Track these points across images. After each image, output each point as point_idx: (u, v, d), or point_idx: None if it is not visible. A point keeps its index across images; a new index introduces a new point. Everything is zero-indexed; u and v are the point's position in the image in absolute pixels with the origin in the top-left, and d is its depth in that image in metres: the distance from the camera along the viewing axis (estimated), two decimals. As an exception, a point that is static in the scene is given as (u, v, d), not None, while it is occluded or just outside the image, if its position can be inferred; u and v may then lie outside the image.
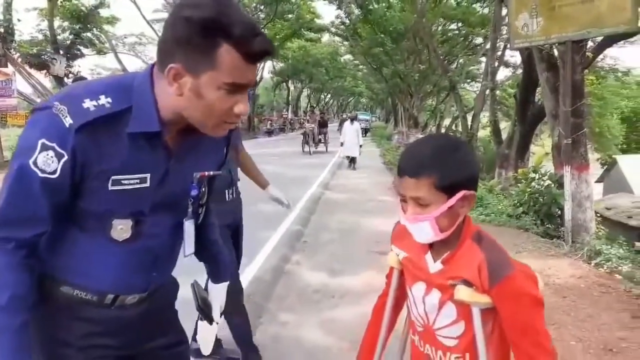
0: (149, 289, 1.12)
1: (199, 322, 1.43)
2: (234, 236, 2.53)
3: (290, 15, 26.76)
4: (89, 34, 20.55)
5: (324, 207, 7.63)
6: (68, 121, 0.89)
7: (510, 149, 11.00)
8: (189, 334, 1.50)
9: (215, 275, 1.39)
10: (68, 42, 19.30)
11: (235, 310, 2.45)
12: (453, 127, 28.67)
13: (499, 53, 14.44)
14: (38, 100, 16.36)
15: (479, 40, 21.93)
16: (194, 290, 1.34)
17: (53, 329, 1.04)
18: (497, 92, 16.39)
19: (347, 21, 24.62)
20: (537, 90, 10.35)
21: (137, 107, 0.95)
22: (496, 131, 12.89)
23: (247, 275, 3.95)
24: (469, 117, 15.76)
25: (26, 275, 0.94)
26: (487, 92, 12.69)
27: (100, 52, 22.76)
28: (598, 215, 7.94)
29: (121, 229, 1.01)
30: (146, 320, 1.14)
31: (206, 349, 1.43)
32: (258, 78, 24.17)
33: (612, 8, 4.74)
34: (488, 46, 14.44)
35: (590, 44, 6.69)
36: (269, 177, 2.88)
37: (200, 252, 1.27)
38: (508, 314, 1.03)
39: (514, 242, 5.03)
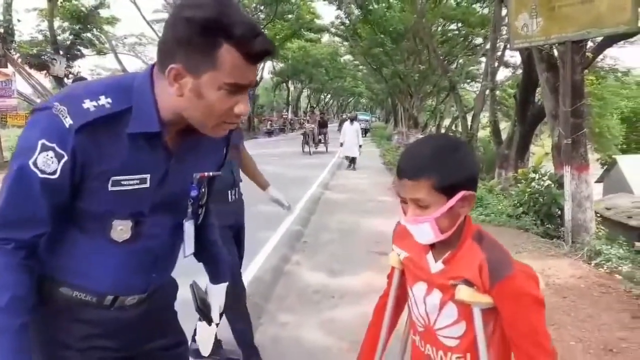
0: (148, 290, 1.12)
1: (198, 322, 1.43)
2: (236, 237, 2.53)
3: (290, 16, 26.76)
4: (89, 35, 20.56)
5: (323, 208, 7.63)
6: (68, 122, 0.89)
7: (510, 149, 11.00)
8: (189, 335, 1.50)
9: (214, 276, 1.38)
10: (68, 42, 19.30)
11: (238, 312, 2.45)
12: (453, 128, 28.67)
13: (499, 53, 14.45)
14: (38, 100, 16.35)
15: (479, 40, 21.92)
16: (193, 291, 1.34)
17: (52, 330, 1.04)
18: (497, 92, 16.39)
19: (347, 21, 24.61)
20: (537, 91, 10.35)
21: (137, 107, 0.95)
22: (496, 131, 12.89)
23: (247, 275, 3.94)
24: (469, 118, 15.76)
25: (26, 277, 0.94)
26: (487, 92, 12.69)
27: (100, 52, 22.77)
28: (598, 215, 7.94)
29: (121, 229, 1.01)
30: (145, 322, 1.14)
31: (205, 349, 1.42)
32: (258, 78, 24.19)
33: (612, 8, 4.74)
34: (488, 46, 14.45)
35: (590, 44, 6.70)
36: (269, 178, 2.88)
37: (200, 252, 1.27)
38: (508, 314, 1.03)
39: (514, 242, 5.03)
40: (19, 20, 17.13)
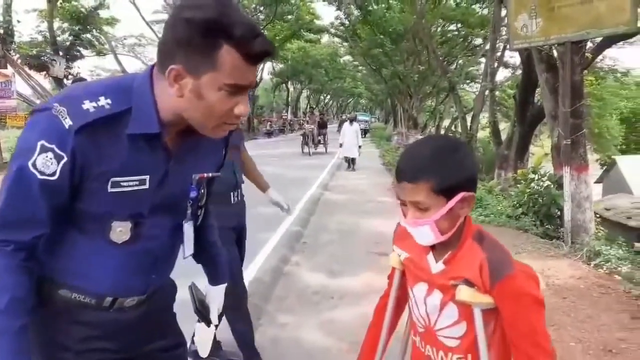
0: (147, 292, 1.12)
1: (197, 324, 1.42)
2: (238, 238, 2.53)
3: (289, 17, 26.76)
4: (88, 35, 20.54)
5: (323, 208, 7.63)
6: (67, 122, 0.89)
7: (509, 149, 11.00)
8: (188, 337, 1.50)
9: (213, 277, 1.38)
10: (67, 43, 19.28)
11: (238, 313, 2.44)
12: (452, 128, 28.69)
13: (499, 54, 14.47)
14: (37, 101, 16.36)
15: (479, 41, 21.95)
16: (192, 292, 1.34)
17: (52, 332, 1.04)
18: (497, 93, 16.40)
19: (347, 22, 24.64)
20: (536, 91, 10.35)
21: (137, 108, 0.95)
22: (495, 132, 12.89)
23: (246, 276, 3.91)
24: (469, 118, 15.78)
25: (25, 278, 0.93)
26: (487, 92, 12.70)
27: (99, 53, 22.78)
28: (597, 215, 7.94)
29: (120, 231, 1.01)
30: (144, 323, 1.13)
31: (204, 351, 1.42)
32: (258, 79, 24.20)
33: (612, 9, 4.75)
34: (487, 47, 14.45)
35: (589, 44, 6.70)
36: (269, 179, 2.88)
37: (199, 253, 1.27)
38: (508, 314, 1.03)
39: (514, 242, 5.03)
40: (18, 21, 17.22)
